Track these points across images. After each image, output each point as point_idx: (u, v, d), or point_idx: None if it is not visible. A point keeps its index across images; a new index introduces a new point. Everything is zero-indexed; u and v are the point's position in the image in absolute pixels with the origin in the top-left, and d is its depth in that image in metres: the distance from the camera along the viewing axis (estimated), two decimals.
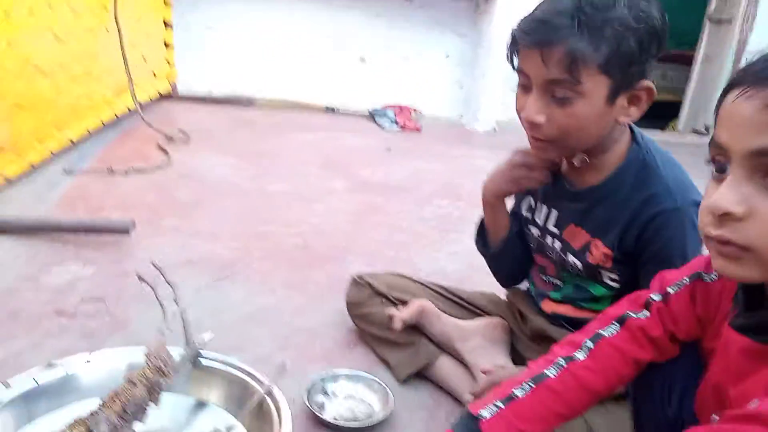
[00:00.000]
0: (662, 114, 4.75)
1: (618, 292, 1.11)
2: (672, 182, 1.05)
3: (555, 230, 1.19)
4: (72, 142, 2.75)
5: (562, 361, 0.85)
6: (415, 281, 1.51)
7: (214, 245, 2.02)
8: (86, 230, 1.94)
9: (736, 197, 0.62)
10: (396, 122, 3.99)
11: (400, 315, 1.37)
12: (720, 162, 0.66)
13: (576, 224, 1.14)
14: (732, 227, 0.63)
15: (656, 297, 0.87)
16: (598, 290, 1.16)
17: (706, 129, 4.48)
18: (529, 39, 0.98)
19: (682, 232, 1.02)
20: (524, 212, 1.28)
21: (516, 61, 1.03)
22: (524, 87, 1.03)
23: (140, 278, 1.25)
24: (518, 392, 0.83)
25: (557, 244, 1.19)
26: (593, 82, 0.96)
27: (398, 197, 2.65)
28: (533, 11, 1.00)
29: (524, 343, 1.33)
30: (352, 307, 1.51)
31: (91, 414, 0.96)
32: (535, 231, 1.24)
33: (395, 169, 3.08)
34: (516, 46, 1.01)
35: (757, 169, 0.62)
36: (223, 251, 1.98)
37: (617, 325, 0.87)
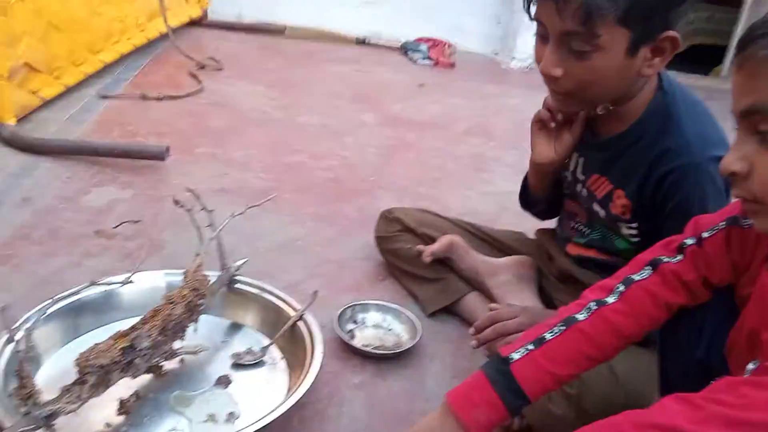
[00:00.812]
0: (706, 58, 4.57)
1: (638, 248, 1.10)
2: (692, 136, 1.01)
3: (582, 177, 1.18)
4: (105, 65, 2.75)
5: (593, 305, 0.85)
6: (444, 218, 1.52)
7: (246, 174, 2.04)
8: (122, 155, 1.97)
9: (736, 156, 0.67)
10: (429, 57, 3.91)
11: (430, 248, 1.39)
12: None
13: (599, 173, 1.12)
14: (740, 186, 0.68)
15: (690, 241, 0.86)
16: (620, 243, 1.15)
17: None
18: None
19: (700, 188, 1.00)
20: None
21: (533, 10, 0.98)
22: (542, 37, 0.99)
23: (177, 202, 1.28)
24: (548, 335, 0.84)
25: (584, 192, 1.18)
26: (611, 35, 0.92)
27: (430, 134, 2.63)
28: None
29: (551, 283, 1.34)
30: (381, 241, 1.54)
31: (134, 329, 1.00)
32: (568, 176, 1.23)
33: (427, 105, 3.04)
34: None
35: (750, 127, 0.66)
36: (255, 180, 2.00)
37: (649, 269, 0.87)
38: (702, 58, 4.46)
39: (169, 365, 1.13)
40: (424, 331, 1.31)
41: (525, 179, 1.33)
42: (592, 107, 1.08)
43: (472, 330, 1.10)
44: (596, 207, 1.15)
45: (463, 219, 1.54)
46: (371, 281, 1.52)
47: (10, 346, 1.02)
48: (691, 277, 0.85)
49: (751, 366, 0.61)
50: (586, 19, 0.90)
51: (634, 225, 1.10)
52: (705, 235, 0.85)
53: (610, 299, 0.85)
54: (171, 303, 1.08)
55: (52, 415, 0.86)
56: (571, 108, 1.11)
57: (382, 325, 1.36)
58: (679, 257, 0.86)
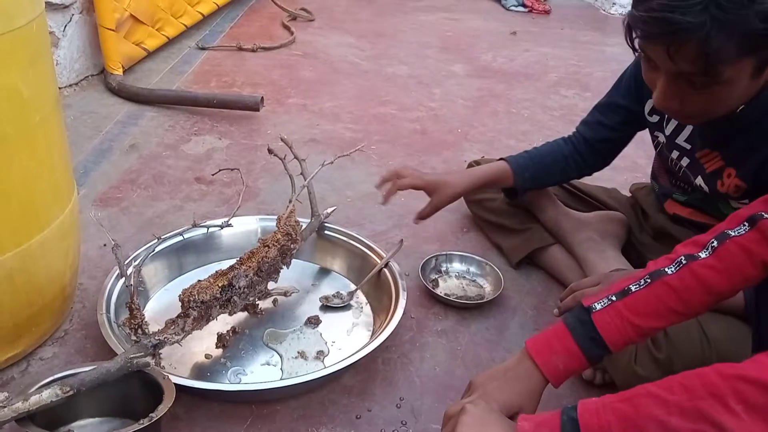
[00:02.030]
0: None
1: None
2: None
3: (686, 146, 1.10)
4: (203, 17, 2.84)
5: (683, 259, 0.82)
6: None
7: (336, 125, 2.08)
8: (220, 105, 2.05)
9: None
10: (523, 4, 3.76)
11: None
12: None
13: (711, 149, 1.05)
14: None
15: None
16: (726, 208, 1.08)
17: None
18: (650, 32, 0.84)
19: None
20: (649, 115, 1.17)
21: (636, 43, 0.89)
22: (649, 61, 0.90)
23: (271, 152, 1.33)
24: (633, 287, 0.82)
25: (685, 161, 1.10)
26: (735, 68, 0.83)
27: (520, 85, 2.56)
28: None
29: (645, 242, 1.30)
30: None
31: (232, 269, 1.07)
32: (661, 138, 1.16)
33: (519, 54, 2.95)
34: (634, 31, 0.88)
35: None
36: (345, 131, 2.04)
37: (747, 225, 0.82)
38: None
39: (263, 304, 1.21)
40: (508, 284, 1.32)
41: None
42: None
43: (555, 311, 1.10)
44: (698, 180, 1.08)
45: None
46: (456, 232, 1.53)
47: (122, 281, 1.12)
48: None
49: None
50: (706, 63, 0.82)
51: (744, 202, 1.03)
52: None
53: (703, 254, 0.82)
54: (266, 246, 1.14)
55: (159, 345, 0.94)
56: (692, 124, 1.05)
57: (466, 275, 1.37)
58: None
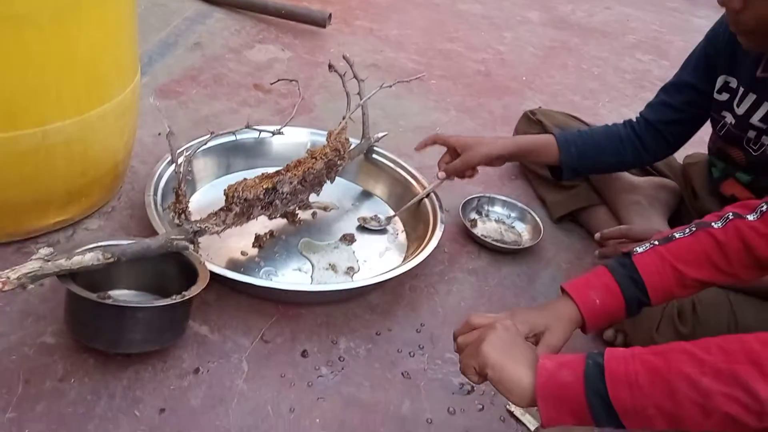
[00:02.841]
0: None
1: None
2: None
3: (761, 125, 1.04)
4: None
5: (730, 216, 0.80)
6: (588, 126, 1.45)
7: (399, 54, 2.05)
8: (288, 16, 2.04)
9: None
10: None
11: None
12: None
13: None
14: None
15: None
16: None
17: None
18: None
19: None
20: (717, 94, 1.11)
21: None
22: None
23: (331, 67, 1.32)
24: (678, 234, 0.80)
25: (763, 140, 1.04)
26: None
27: (596, 41, 2.47)
28: None
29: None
30: None
31: (278, 174, 1.09)
32: (729, 118, 1.10)
33: (600, 9, 2.82)
34: None
35: None
36: (407, 62, 2.01)
37: None
38: None
39: (302, 214, 1.23)
40: (546, 236, 1.31)
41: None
42: None
43: (598, 235, 1.08)
44: None
45: None
46: (503, 178, 1.52)
47: (171, 168, 1.15)
48: None
49: None
50: None
51: None
52: None
53: (751, 216, 0.79)
54: (313, 158, 1.15)
55: (199, 232, 0.97)
56: (755, 48, 0.99)
57: (505, 220, 1.37)
58: None
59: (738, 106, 1.07)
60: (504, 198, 1.39)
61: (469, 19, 2.46)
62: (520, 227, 1.35)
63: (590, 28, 2.59)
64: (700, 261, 0.78)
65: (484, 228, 1.34)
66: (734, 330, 0.99)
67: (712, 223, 0.79)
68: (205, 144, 1.13)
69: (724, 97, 1.10)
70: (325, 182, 1.20)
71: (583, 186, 1.36)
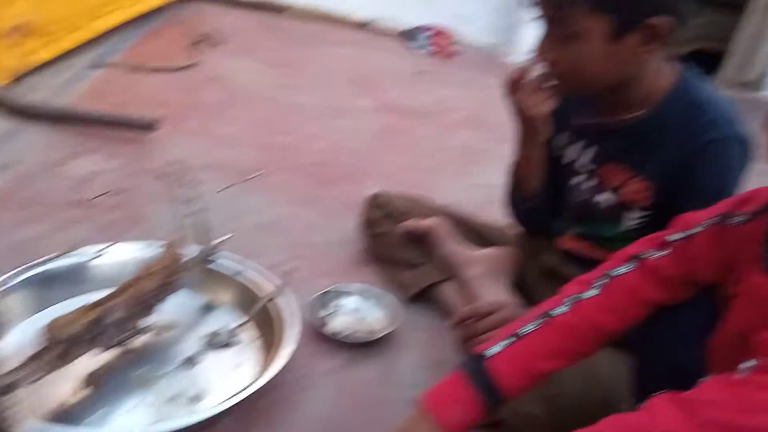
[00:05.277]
0: (708, 64, 4.55)
1: (638, 235, 1.09)
2: (720, 114, 1.00)
3: (591, 167, 1.14)
4: (100, 33, 2.71)
5: (571, 299, 0.83)
6: (430, 205, 1.51)
7: (236, 151, 2.01)
8: (111, 124, 1.94)
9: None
10: (430, 45, 3.87)
11: (407, 223, 1.40)
12: None
13: (617, 161, 1.09)
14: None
15: (676, 236, 0.84)
16: (624, 236, 1.13)
17: (752, 83, 4.30)
18: None
19: (725, 165, 0.99)
20: (556, 149, 1.22)
21: None
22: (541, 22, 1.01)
23: (160, 175, 1.26)
24: (526, 329, 0.82)
25: (590, 183, 1.14)
26: (590, 22, 0.93)
27: (424, 122, 2.61)
28: None
29: (533, 279, 1.33)
30: (366, 226, 1.52)
31: (104, 302, 0.99)
32: (566, 169, 1.20)
33: (424, 93, 3.01)
34: None
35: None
36: (244, 159, 1.98)
37: (631, 264, 0.85)
38: (702, 64, 4.44)
39: (138, 341, 1.12)
40: (401, 320, 1.30)
41: (513, 176, 1.26)
42: (592, 91, 1.07)
43: (450, 322, 1.09)
44: (602, 197, 1.12)
45: (450, 208, 1.53)
46: (353, 266, 1.51)
47: None
48: (673, 273, 0.83)
49: (746, 365, 0.58)
50: (561, 6, 0.93)
51: (646, 211, 1.07)
52: (693, 231, 0.83)
53: (590, 293, 0.83)
54: (144, 277, 1.06)
55: (11, 386, 0.85)
56: (572, 93, 1.09)
57: (360, 310, 1.34)
58: (664, 252, 0.84)
59: (570, 156, 1.17)
60: (355, 287, 1.37)
61: (303, 111, 2.50)
62: (376, 315, 1.34)
63: (418, 110, 2.75)
64: (553, 352, 0.80)
65: (339, 322, 1.30)
66: (592, 380, 1.03)
67: (556, 310, 0.82)
68: (11, 282, 1.01)
69: (563, 152, 1.20)
70: (162, 301, 1.11)
71: (432, 263, 1.39)
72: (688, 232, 0.83)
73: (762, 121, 0.66)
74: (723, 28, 4.65)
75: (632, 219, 1.10)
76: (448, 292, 1.36)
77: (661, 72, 1.03)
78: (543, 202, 1.24)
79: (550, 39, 0.99)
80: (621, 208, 1.10)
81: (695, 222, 0.83)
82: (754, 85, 4.31)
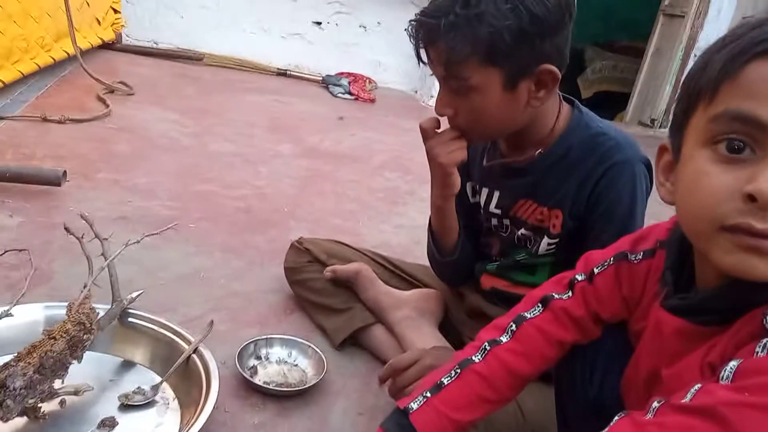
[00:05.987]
0: (613, 105, 4.85)
1: (553, 264, 1.13)
2: (621, 139, 1.06)
3: (497, 211, 1.18)
4: (4, 84, 2.58)
5: (486, 346, 0.84)
6: (355, 249, 1.49)
7: (151, 202, 1.94)
8: (14, 179, 1.83)
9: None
10: (349, 91, 3.93)
11: (333, 267, 1.38)
12: (741, 140, 0.57)
13: (526, 198, 1.13)
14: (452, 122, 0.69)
15: (580, 277, 0.86)
16: (543, 269, 1.16)
17: (652, 122, 4.61)
18: (416, 38, 1.00)
19: (632, 185, 1.03)
20: (470, 198, 1.26)
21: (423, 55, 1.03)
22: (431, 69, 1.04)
23: (67, 230, 1.19)
24: (445, 380, 0.82)
25: (504, 222, 1.18)
26: (482, 75, 0.97)
27: (347, 166, 2.62)
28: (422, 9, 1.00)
29: (460, 318, 1.33)
30: (290, 272, 1.49)
31: (5, 368, 0.91)
32: (480, 214, 1.23)
33: (345, 138, 3.04)
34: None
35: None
36: (161, 209, 1.91)
37: (540, 306, 0.87)
38: (607, 104, 4.73)
39: (47, 407, 1.02)
40: (331, 367, 1.27)
41: (430, 231, 1.26)
42: (494, 138, 1.12)
43: (378, 382, 1.08)
44: (521, 231, 1.15)
45: (375, 251, 1.52)
46: (278, 315, 1.46)
47: None
48: (581, 314, 0.84)
49: (655, 404, 0.59)
50: (449, 63, 0.96)
51: (557, 239, 1.10)
52: (595, 270, 0.85)
53: (503, 338, 0.84)
54: (51, 338, 0.99)
55: None
56: (475, 142, 1.13)
57: (288, 360, 1.30)
58: (570, 293, 0.86)
59: (481, 200, 1.20)
60: (281, 336, 1.33)
61: (222, 158, 2.46)
62: (304, 363, 1.30)
63: (340, 154, 2.76)
64: (472, 403, 0.81)
65: (266, 373, 1.25)
66: (520, 416, 1.03)
67: (473, 358, 0.83)
68: None
69: (476, 198, 1.23)
70: (71, 363, 1.03)
71: (358, 307, 1.37)
72: (592, 272, 0.85)
73: (656, 156, 0.70)
74: (629, 71, 5.00)
75: (545, 246, 1.13)
76: (377, 335, 1.34)
77: (558, 111, 1.09)
78: (463, 258, 1.25)
79: (447, 93, 1.02)
80: (534, 237, 1.14)
81: (597, 261, 0.86)
82: (654, 123, 4.62)
